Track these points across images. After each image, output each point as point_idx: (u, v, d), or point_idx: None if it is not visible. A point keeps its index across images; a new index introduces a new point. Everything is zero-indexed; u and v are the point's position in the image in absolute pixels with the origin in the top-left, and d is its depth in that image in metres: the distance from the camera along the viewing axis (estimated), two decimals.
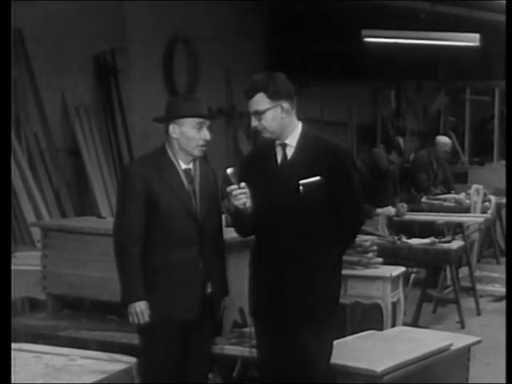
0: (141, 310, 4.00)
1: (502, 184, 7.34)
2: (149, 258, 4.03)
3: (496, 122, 13.31)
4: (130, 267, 4.00)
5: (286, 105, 3.94)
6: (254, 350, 4.25)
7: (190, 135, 4.07)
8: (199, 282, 4.09)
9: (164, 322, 4.03)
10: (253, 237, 4.14)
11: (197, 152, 4.11)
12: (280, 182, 3.96)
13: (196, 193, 4.12)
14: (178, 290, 4.05)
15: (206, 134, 4.09)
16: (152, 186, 4.03)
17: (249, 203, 3.89)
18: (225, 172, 3.89)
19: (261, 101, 3.92)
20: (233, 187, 3.88)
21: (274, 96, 3.91)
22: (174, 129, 4.09)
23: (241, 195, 3.87)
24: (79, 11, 9.12)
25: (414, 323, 7.02)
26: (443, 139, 10.84)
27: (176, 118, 4.08)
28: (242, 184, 3.89)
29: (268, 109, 3.92)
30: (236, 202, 3.88)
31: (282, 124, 3.95)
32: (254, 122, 3.97)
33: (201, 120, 4.08)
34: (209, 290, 4.13)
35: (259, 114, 3.93)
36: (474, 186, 9.60)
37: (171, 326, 4.05)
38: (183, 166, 4.12)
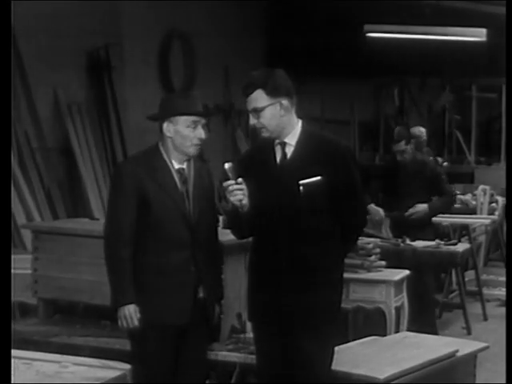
0: (130, 313, 3.94)
1: None
2: (139, 260, 3.99)
3: (503, 120, 13.16)
4: (119, 269, 3.96)
5: (285, 102, 3.86)
6: (253, 356, 4.19)
7: (184, 134, 4.01)
8: (191, 285, 4.03)
9: (155, 327, 3.98)
10: (250, 239, 4.05)
11: (191, 151, 4.05)
12: (279, 183, 3.88)
13: (189, 194, 4.06)
14: (169, 294, 3.99)
15: (201, 133, 4.03)
16: (144, 186, 3.98)
17: (245, 200, 3.80)
18: (222, 167, 3.80)
19: (259, 98, 3.84)
20: (229, 182, 3.79)
21: (273, 93, 3.83)
22: (168, 127, 4.03)
23: (237, 191, 3.78)
24: (72, 5, 9.06)
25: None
26: None
27: (170, 116, 4.02)
28: (239, 180, 3.80)
29: (267, 106, 3.84)
30: (232, 198, 3.80)
31: (281, 122, 3.87)
32: (252, 120, 3.89)
33: (196, 118, 4.02)
34: (201, 294, 4.05)
35: (257, 111, 3.85)
36: (481, 187, 9.59)
37: (163, 330, 3.99)
38: (176, 166, 4.06)
